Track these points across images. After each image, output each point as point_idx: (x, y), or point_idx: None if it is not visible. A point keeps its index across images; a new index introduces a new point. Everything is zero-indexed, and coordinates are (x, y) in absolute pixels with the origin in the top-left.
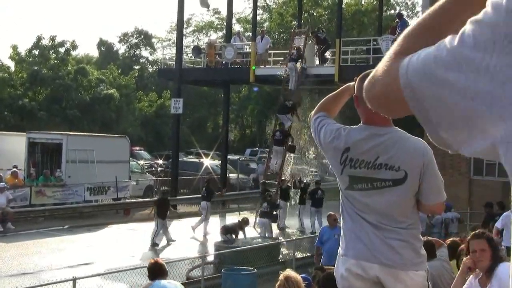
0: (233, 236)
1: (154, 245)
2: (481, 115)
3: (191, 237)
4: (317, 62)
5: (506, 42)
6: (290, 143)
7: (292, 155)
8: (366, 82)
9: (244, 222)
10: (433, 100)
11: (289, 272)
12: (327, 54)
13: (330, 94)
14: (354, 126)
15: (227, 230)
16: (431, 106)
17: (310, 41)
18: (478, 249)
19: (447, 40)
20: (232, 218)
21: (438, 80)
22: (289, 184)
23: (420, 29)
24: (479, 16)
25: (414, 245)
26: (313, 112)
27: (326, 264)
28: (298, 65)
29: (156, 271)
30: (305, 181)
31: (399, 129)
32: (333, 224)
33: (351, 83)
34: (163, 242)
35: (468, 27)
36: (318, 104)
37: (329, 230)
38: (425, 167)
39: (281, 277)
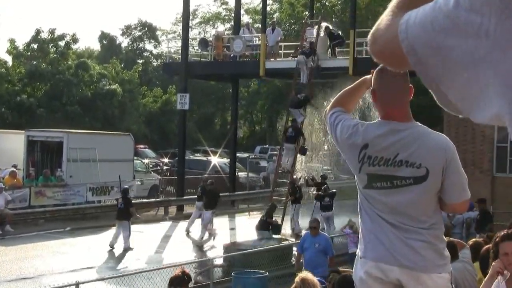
0: (270, 227)
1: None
2: (485, 82)
3: (194, 239)
4: (329, 55)
5: (502, 6)
6: (302, 144)
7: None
8: (369, 35)
9: (274, 206)
10: (438, 67)
11: (306, 274)
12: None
13: (346, 88)
14: (372, 122)
15: (262, 226)
16: (437, 74)
17: (322, 33)
18: (510, 251)
19: (442, 0)
20: (241, 219)
21: (440, 47)
22: (301, 182)
23: None
24: None
25: (436, 246)
26: (328, 107)
27: None
28: (310, 59)
29: (179, 283)
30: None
31: (420, 124)
32: (314, 232)
33: (368, 76)
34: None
35: None
36: (334, 99)
37: (311, 237)
38: (447, 163)
39: (297, 279)
